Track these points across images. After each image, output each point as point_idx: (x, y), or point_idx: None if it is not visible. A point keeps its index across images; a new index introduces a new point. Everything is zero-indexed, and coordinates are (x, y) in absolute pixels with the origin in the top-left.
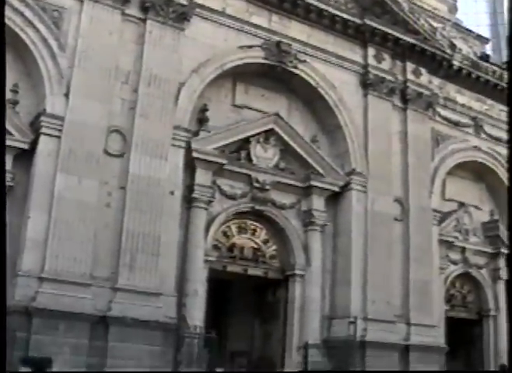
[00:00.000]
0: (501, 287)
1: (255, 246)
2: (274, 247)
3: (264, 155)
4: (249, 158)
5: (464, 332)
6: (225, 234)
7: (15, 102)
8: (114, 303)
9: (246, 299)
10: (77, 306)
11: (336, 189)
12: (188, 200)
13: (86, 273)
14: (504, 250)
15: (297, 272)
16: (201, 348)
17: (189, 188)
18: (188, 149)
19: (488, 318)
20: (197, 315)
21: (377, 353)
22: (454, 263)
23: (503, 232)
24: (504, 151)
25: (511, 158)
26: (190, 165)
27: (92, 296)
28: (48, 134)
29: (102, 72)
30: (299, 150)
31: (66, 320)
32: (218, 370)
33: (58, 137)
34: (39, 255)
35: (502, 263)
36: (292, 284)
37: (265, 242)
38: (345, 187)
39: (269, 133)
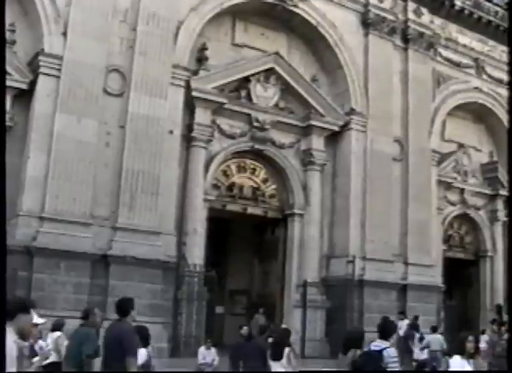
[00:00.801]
0: (499, 229)
1: (254, 185)
2: (273, 186)
3: (264, 94)
4: (249, 98)
5: (461, 273)
6: (224, 173)
7: (12, 42)
8: (114, 242)
9: (245, 238)
10: (77, 245)
11: (336, 128)
12: (188, 140)
13: (86, 213)
14: (503, 192)
15: (296, 211)
16: (201, 286)
17: (188, 127)
18: (188, 88)
19: (485, 259)
20: (197, 253)
21: (375, 292)
22: (453, 203)
23: (502, 174)
24: (505, 92)
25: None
26: (189, 105)
27: (93, 235)
28: (47, 74)
29: (99, 10)
30: (299, 89)
31: (67, 259)
32: None
33: (57, 76)
34: (39, 195)
35: (500, 204)
36: (291, 224)
37: (264, 181)
38: (345, 127)
39: (269, 72)
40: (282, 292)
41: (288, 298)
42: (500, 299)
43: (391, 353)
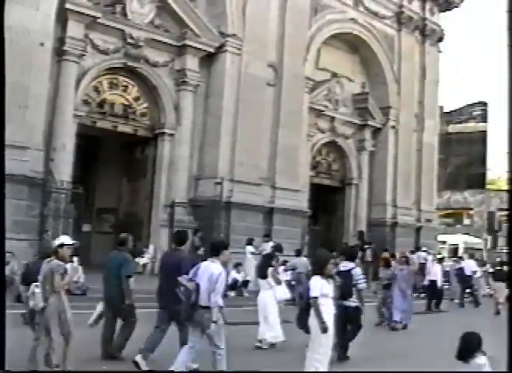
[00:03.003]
0: (365, 158)
1: (126, 103)
2: (145, 105)
3: (140, 10)
4: (124, 13)
5: (327, 199)
6: (96, 89)
7: None
8: None
9: (114, 156)
10: None
11: (211, 50)
12: (59, 53)
13: None
14: (371, 122)
15: (167, 131)
16: (67, 203)
17: (60, 40)
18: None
19: (350, 187)
20: (65, 170)
21: (242, 214)
22: (322, 131)
23: (372, 105)
24: (380, 25)
25: None
26: (62, 17)
27: None
28: None
29: None
30: (175, 7)
31: None
32: None
33: None
34: None
35: (368, 134)
36: (161, 143)
37: (136, 99)
38: (220, 49)
39: None
40: (150, 211)
41: (155, 218)
42: (363, 226)
43: (358, 272)
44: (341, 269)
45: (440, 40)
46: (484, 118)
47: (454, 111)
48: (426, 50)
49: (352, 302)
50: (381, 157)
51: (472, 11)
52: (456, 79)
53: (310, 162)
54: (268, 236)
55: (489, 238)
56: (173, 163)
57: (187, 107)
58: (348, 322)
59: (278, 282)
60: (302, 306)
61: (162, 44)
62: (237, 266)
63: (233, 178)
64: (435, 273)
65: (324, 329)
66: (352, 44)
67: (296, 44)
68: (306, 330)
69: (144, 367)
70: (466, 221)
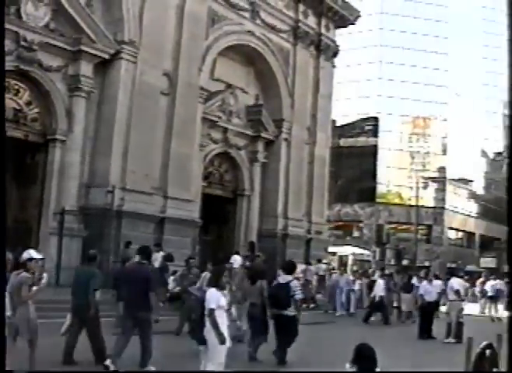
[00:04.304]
0: (257, 169)
1: (17, 107)
2: (36, 110)
3: (35, 13)
4: (18, 15)
5: (218, 209)
6: None
7: None
8: None
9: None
10: None
11: (106, 56)
12: None
13: None
14: (264, 134)
15: (58, 137)
16: None
17: None
18: None
19: (242, 198)
20: None
21: (133, 223)
22: (215, 141)
23: (265, 117)
24: (276, 38)
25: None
26: None
27: None
28: None
29: None
30: (71, 11)
31: None
32: None
33: None
34: None
35: (260, 146)
36: (52, 149)
37: (28, 103)
38: (116, 56)
39: None
40: (39, 219)
41: (45, 225)
42: (254, 237)
43: (296, 284)
44: (281, 281)
45: (335, 55)
46: (375, 133)
47: (347, 125)
48: (321, 64)
49: (290, 312)
50: (273, 169)
51: (366, 28)
52: (349, 94)
53: (202, 172)
54: (158, 246)
55: (378, 250)
56: (64, 170)
57: (79, 114)
58: (284, 330)
59: None
60: (196, 317)
61: (56, 49)
62: None
63: (125, 186)
64: (381, 289)
65: (222, 341)
66: (248, 56)
67: (191, 54)
68: (200, 341)
69: (112, 368)
70: (356, 234)
